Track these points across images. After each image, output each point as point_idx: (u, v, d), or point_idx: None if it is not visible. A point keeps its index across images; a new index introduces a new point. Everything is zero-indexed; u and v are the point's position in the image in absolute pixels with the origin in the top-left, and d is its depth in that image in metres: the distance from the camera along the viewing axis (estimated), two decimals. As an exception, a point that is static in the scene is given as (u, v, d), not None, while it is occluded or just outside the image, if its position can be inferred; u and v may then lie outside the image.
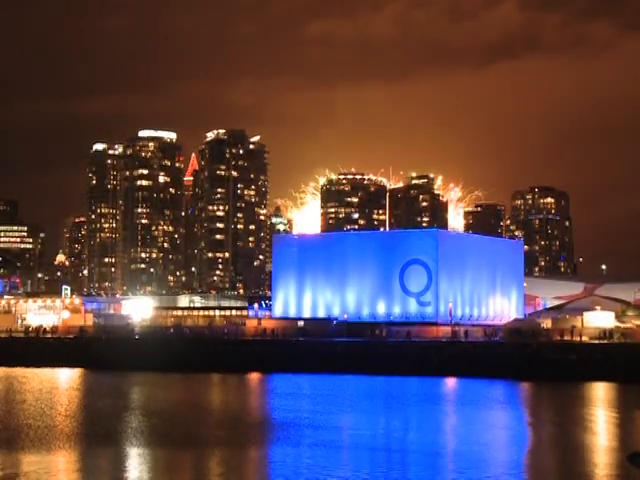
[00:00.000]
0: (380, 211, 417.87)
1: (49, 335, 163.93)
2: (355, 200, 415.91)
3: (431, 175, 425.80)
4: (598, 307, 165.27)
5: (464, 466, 56.89)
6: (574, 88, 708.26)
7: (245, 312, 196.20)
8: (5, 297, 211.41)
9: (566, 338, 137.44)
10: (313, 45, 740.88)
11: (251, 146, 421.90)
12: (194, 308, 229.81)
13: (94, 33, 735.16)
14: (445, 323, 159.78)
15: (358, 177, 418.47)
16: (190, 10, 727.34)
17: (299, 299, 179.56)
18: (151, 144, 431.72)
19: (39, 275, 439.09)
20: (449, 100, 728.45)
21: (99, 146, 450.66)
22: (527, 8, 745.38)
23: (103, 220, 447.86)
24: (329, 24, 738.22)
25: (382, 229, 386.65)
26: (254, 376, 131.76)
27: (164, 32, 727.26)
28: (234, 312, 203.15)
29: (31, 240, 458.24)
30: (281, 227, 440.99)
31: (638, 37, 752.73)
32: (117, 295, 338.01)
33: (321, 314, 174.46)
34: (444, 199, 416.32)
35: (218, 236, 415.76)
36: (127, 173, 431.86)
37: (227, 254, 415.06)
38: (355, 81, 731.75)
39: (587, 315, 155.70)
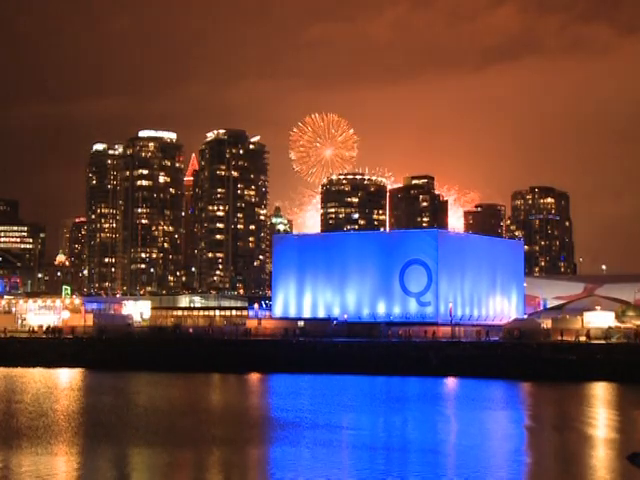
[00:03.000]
0: (380, 211, 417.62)
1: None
2: (355, 200, 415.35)
3: (431, 175, 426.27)
4: (598, 307, 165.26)
5: (464, 466, 56.91)
6: (573, 89, 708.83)
7: (245, 312, 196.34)
8: (5, 297, 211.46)
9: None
10: (313, 48, 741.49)
11: (251, 146, 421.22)
12: (194, 308, 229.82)
13: (95, 34, 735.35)
14: (445, 323, 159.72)
15: (358, 177, 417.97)
16: (191, 12, 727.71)
17: (299, 299, 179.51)
18: (151, 144, 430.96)
19: (39, 275, 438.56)
20: (449, 101, 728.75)
21: (99, 146, 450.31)
22: (526, 11, 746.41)
23: (103, 220, 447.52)
24: (329, 27, 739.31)
25: (382, 229, 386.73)
26: (254, 376, 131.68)
27: (165, 34, 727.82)
28: (234, 312, 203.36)
29: (31, 240, 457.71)
30: (281, 227, 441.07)
31: (636, 39, 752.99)
32: (117, 295, 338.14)
33: (321, 314, 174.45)
34: (444, 199, 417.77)
35: (218, 236, 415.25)
36: (127, 173, 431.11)
37: (227, 254, 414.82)
38: (355, 83, 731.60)
39: (587, 315, 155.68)
